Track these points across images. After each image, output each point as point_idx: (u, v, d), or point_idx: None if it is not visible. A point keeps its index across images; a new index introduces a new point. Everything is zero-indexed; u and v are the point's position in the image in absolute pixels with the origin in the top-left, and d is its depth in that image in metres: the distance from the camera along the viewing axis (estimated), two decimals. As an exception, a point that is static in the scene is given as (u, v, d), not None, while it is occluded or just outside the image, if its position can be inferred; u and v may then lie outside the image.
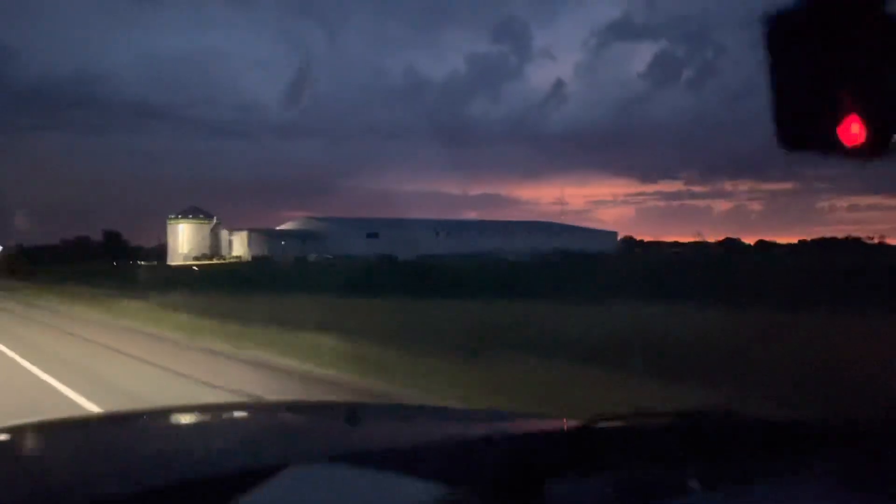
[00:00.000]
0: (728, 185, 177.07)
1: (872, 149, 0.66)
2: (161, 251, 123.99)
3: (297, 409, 2.11)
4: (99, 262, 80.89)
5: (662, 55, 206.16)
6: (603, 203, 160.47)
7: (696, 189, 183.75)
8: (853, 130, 0.66)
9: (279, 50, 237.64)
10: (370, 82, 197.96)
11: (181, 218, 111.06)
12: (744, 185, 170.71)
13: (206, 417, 1.88)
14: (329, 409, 2.16)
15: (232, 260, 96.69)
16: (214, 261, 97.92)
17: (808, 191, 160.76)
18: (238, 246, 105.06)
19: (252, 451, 1.33)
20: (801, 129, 0.71)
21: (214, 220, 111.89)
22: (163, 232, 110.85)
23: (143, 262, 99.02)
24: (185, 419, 1.85)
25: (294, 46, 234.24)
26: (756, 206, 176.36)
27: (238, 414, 1.97)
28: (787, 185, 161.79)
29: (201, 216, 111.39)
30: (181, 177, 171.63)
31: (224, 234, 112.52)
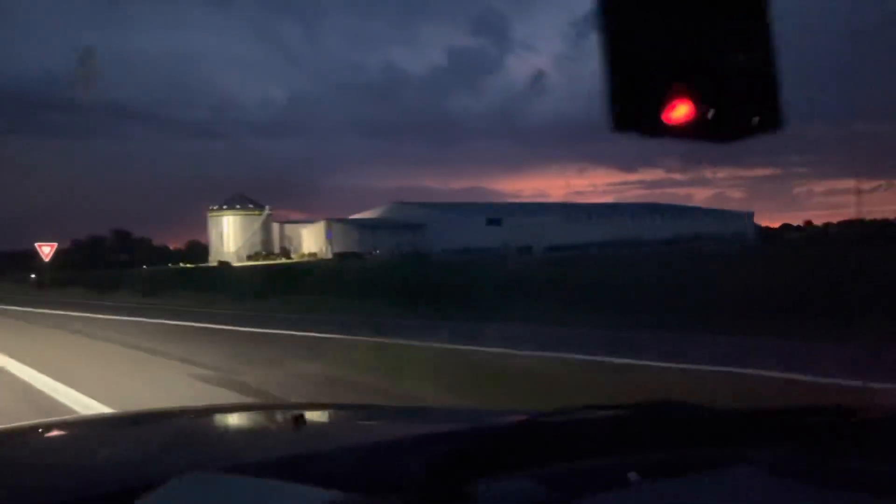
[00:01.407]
0: (709, 173, 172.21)
1: (695, 130, 0.67)
2: (192, 251, 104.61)
3: (222, 413, 2.05)
4: (123, 267, 65.70)
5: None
6: (584, 193, 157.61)
7: (677, 177, 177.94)
8: (679, 111, 0.66)
9: (257, 49, 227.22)
10: (348, 79, 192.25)
11: (226, 209, 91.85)
12: (724, 172, 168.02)
13: (106, 428, 1.83)
14: (265, 413, 2.07)
15: (306, 258, 77.32)
16: (282, 259, 78.55)
17: (786, 176, 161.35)
18: (310, 240, 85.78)
19: (141, 464, 1.26)
20: (628, 109, 0.69)
21: (266, 211, 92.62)
22: (195, 229, 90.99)
23: (185, 265, 79.97)
24: (83, 431, 1.80)
25: (272, 44, 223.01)
26: (736, 192, 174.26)
27: (144, 423, 1.87)
28: (767, 171, 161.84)
29: (250, 206, 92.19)
30: (160, 177, 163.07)
31: (276, 227, 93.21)
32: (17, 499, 1.01)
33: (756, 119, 0.71)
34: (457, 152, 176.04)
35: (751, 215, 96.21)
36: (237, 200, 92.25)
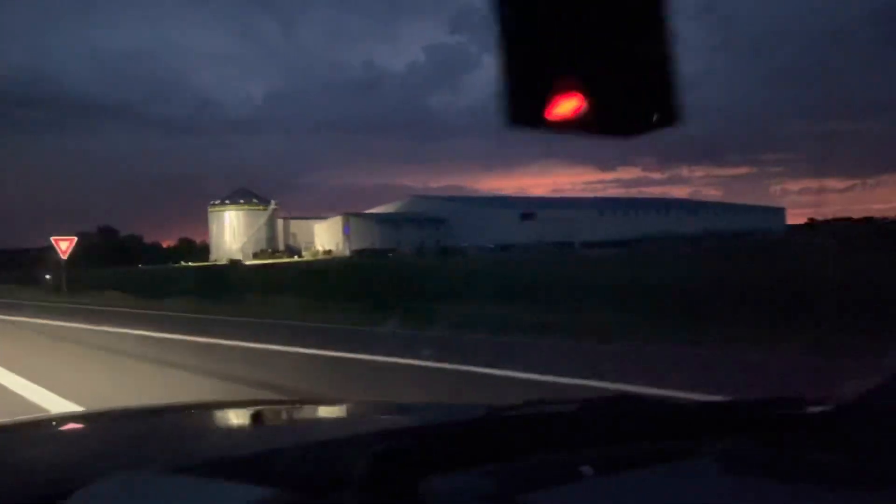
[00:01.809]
0: (685, 171, 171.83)
1: (583, 125, 0.68)
2: (186, 249, 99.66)
3: (172, 412, 1.99)
4: (116, 266, 61.69)
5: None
6: (562, 192, 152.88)
7: (655, 176, 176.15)
8: (566, 106, 0.67)
9: (235, 45, 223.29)
10: (326, 75, 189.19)
11: (229, 204, 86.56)
12: (700, 171, 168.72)
13: (52, 428, 1.78)
14: (216, 411, 1.99)
15: (321, 255, 72.38)
16: (294, 258, 73.69)
17: (761, 175, 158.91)
18: (324, 237, 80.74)
19: (79, 465, 1.24)
20: (518, 105, 0.69)
21: (272, 205, 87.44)
22: (182, 227, 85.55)
23: (187, 264, 75.00)
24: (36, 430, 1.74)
25: (251, 41, 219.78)
26: (713, 191, 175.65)
27: (92, 422, 1.84)
28: (743, 170, 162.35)
29: (255, 201, 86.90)
30: (141, 174, 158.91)
31: (281, 223, 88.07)
32: None
33: (653, 115, 0.71)
34: (435, 150, 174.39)
35: (781, 212, 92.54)
36: (240, 194, 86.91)
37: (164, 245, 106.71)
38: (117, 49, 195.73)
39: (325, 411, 1.99)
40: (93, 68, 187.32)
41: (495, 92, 0.69)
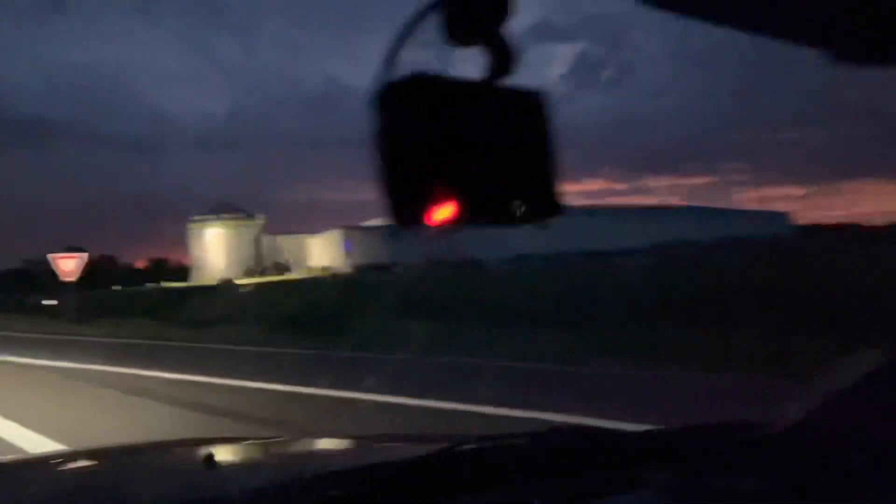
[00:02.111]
0: (650, 182, 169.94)
1: (463, 224, 0.71)
2: (158, 268, 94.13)
3: (157, 452, 2.00)
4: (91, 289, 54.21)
5: (582, 56, 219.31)
6: None
7: (619, 186, 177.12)
8: (445, 213, 0.69)
9: (189, 62, 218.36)
10: (288, 92, 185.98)
11: (213, 219, 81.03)
12: (664, 181, 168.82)
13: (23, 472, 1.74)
14: (172, 452, 1.99)
15: (317, 273, 67.53)
16: (286, 275, 68.70)
17: (724, 183, 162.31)
18: (320, 253, 75.64)
19: None
20: (401, 212, 0.70)
21: (260, 220, 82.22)
22: (148, 246, 79.56)
23: (170, 284, 69.65)
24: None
25: (206, 58, 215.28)
26: (677, 201, 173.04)
27: (51, 466, 1.82)
28: (705, 179, 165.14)
29: (241, 215, 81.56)
30: (99, 193, 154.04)
31: (268, 240, 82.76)
32: None
33: (523, 209, 0.74)
34: None
35: (783, 217, 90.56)
36: (223, 208, 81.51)
37: (137, 265, 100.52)
38: (69, 67, 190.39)
39: (278, 450, 1.97)
40: (44, 86, 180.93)
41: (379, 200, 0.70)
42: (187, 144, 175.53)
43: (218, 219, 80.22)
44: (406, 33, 0.70)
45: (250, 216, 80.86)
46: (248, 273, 72.77)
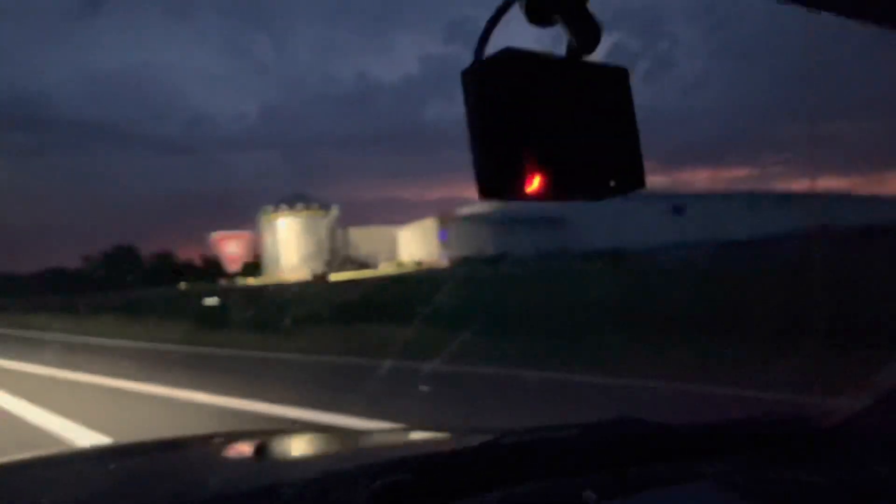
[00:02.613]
0: (688, 175, 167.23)
1: (552, 196, 0.73)
2: (214, 266, 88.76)
3: (178, 446, 2.00)
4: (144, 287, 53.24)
5: (617, 48, 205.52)
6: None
7: (658, 178, 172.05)
8: (535, 184, 0.72)
9: (226, 62, 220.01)
10: (320, 90, 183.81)
11: (285, 210, 75.69)
12: (703, 174, 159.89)
13: (70, 466, 1.74)
14: (222, 444, 1.99)
15: (408, 267, 61.36)
16: (365, 271, 62.79)
17: (764, 176, 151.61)
18: (412, 244, 69.70)
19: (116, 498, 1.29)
20: (492, 180, 0.74)
21: (335, 211, 76.60)
22: (196, 245, 74.22)
23: (245, 280, 64.19)
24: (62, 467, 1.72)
25: (242, 58, 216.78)
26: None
27: (105, 459, 1.82)
28: (744, 172, 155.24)
29: (315, 205, 76.03)
30: (131, 195, 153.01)
31: (341, 232, 77.04)
32: None
33: (613, 183, 0.78)
34: (430, 162, 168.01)
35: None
36: (296, 198, 76.04)
37: (190, 262, 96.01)
38: (107, 68, 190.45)
39: (328, 441, 1.98)
40: (83, 88, 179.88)
41: (473, 167, 0.75)
42: (221, 144, 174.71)
43: (291, 210, 74.74)
44: (498, 14, 0.75)
45: (325, 207, 75.20)
46: (330, 267, 67.19)
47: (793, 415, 1.17)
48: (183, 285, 65.14)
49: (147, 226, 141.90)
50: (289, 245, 74.06)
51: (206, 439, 2.10)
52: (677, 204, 56.18)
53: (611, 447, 1.18)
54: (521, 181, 0.71)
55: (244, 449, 1.81)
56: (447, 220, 65.12)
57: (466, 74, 0.73)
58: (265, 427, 4.90)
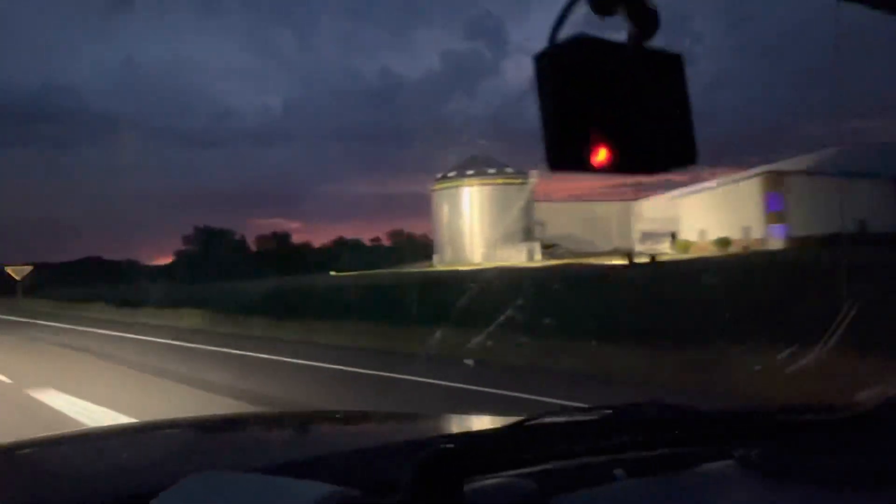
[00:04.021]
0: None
1: (615, 168, 0.80)
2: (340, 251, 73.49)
3: (227, 422, 2.16)
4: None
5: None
6: (585, 194, 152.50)
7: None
8: (600, 156, 0.79)
9: (251, 57, 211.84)
10: (343, 85, 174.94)
11: (469, 176, 58.39)
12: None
13: (113, 439, 1.80)
14: (267, 422, 2.18)
15: (715, 251, 42.59)
16: (630, 260, 44.28)
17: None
18: (699, 216, 50.94)
19: (152, 470, 1.30)
20: (561, 153, 0.81)
21: (532, 178, 58.67)
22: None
23: (414, 268, 47.60)
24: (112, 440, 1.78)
25: (266, 53, 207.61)
26: None
27: (150, 433, 1.89)
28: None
29: (508, 170, 58.45)
30: (158, 188, 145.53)
31: (538, 206, 58.98)
32: None
33: (675, 157, 0.86)
34: (451, 158, 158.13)
35: None
36: (480, 164, 58.65)
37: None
38: (134, 62, 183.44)
39: (371, 422, 2.04)
40: (110, 82, 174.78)
41: (542, 142, 0.81)
42: (246, 138, 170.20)
43: (476, 175, 57.31)
44: (569, 4, 0.82)
45: (521, 172, 57.40)
46: (550, 249, 49.71)
47: (821, 403, 1.17)
48: (333, 273, 50.12)
49: (179, 215, 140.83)
50: (474, 220, 56.89)
51: (259, 418, 2.43)
52: None
53: (641, 428, 1.23)
54: (587, 154, 0.78)
55: (292, 426, 1.91)
56: (777, 181, 44.41)
57: (540, 58, 0.80)
58: None
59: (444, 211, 58.84)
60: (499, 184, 56.86)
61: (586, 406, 1.32)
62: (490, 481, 0.94)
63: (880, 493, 0.93)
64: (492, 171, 57.40)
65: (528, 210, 57.02)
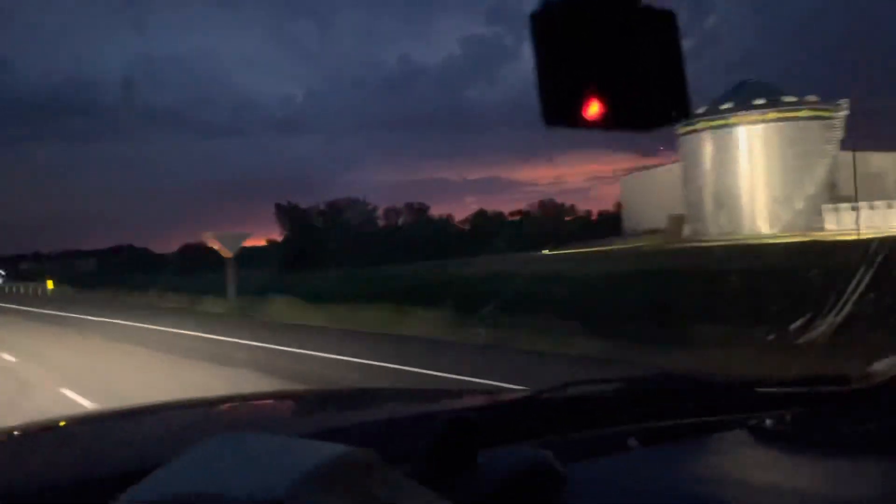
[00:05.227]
0: None
1: (608, 123, 0.83)
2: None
3: (249, 399, 2.16)
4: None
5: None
6: (603, 179, 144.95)
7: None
8: (593, 109, 0.81)
9: (270, 47, 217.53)
10: (362, 74, 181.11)
11: (749, 111, 41.56)
12: None
13: (128, 419, 1.80)
14: (287, 398, 2.24)
15: None
16: None
17: None
18: None
19: (170, 443, 1.30)
20: (555, 108, 0.84)
21: (843, 110, 40.98)
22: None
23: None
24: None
25: (287, 43, 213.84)
26: None
27: (171, 412, 1.88)
28: None
29: (810, 98, 41.12)
30: (181, 179, 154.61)
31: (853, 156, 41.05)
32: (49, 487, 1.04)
33: (670, 112, 0.86)
34: (471, 143, 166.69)
35: None
36: (757, 90, 41.66)
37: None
38: (156, 55, 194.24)
39: (389, 396, 2.06)
40: (134, 74, 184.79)
41: (535, 96, 0.84)
42: (269, 127, 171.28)
43: (765, 108, 40.43)
44: None
45: (830, 101, 39.90)
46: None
47: (835, 375, 1.16)
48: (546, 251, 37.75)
49: (201, 208, 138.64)
50: (749, 174, 40.38)
51: (278, 395, 2.39)
52: None
53: (654, 399, 1.25)
54: (580, 108, 0.80)
55: (311, 403, 1.95)
56: None
57: (535, 16, 0.82)
58: None
59: (704, 161, 42.52)
60: (801, 118, 39.70)
61: (605, 378, 1.29)
62: (504, 450, 0.96)
63: (894, 461, 0.94)
64: (790, 99, 40.28)
65: (835, 160, 39.64)
